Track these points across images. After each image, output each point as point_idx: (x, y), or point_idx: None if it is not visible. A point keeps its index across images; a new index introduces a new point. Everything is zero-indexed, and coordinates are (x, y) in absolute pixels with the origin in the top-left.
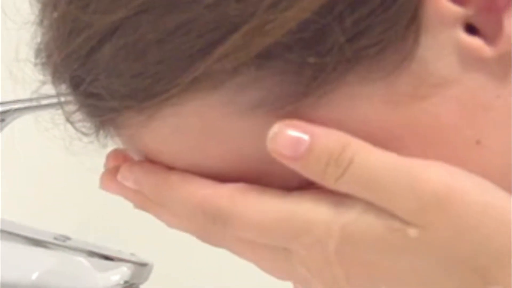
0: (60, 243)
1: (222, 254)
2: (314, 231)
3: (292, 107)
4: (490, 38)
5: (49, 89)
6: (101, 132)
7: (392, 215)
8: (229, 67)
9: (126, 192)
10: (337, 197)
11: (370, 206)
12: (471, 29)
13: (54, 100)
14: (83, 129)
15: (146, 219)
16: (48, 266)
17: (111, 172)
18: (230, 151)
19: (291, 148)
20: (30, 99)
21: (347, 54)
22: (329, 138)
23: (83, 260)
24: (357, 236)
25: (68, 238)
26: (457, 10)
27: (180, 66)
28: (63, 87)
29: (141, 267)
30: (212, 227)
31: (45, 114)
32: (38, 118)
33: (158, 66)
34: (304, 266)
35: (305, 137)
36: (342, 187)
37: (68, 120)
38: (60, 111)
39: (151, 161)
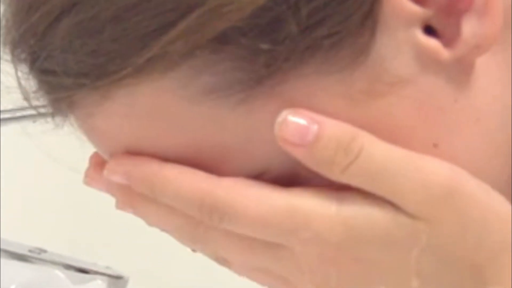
0: (35, 256)
1: (197, 267)
2: (314, 225)
3: (244, 94)
4: (448, 41)
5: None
6: (59, 114)
7: (398, 208)
8: (184, 49)
9: (111, 187)
10: (339, 191)
11: (374, 199)
12: (430, 30)
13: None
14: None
15: (122, 232)
16: (25, 279)
17: (96, 168)
18: (182, 138)
19: (298, 135)
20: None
21: (301, 44)
22: (338, 128)
23: (59, 272)
24: (360, 230)
25: (43, 251)
26: (416, 9)
27: (135, 45)
28: (23, 67)
29: (117, 280)
30: (206, 222)
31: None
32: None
33: (112, 44)
34: (296, 264)
35: (314, 125)
36: (347, 178)
37: (25, 98)
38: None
39: (138, 153)
